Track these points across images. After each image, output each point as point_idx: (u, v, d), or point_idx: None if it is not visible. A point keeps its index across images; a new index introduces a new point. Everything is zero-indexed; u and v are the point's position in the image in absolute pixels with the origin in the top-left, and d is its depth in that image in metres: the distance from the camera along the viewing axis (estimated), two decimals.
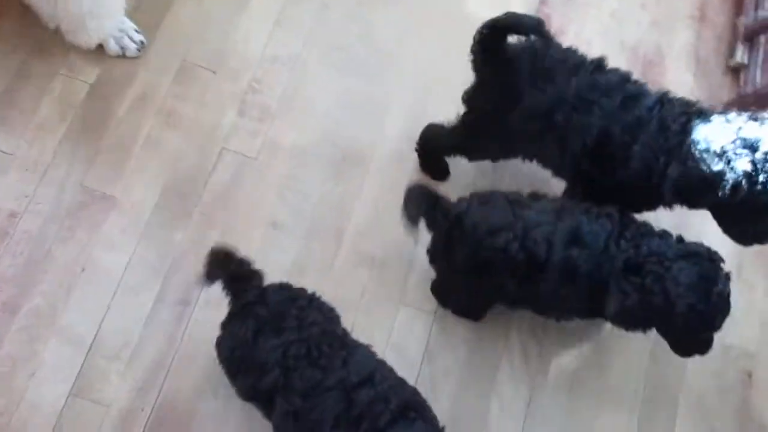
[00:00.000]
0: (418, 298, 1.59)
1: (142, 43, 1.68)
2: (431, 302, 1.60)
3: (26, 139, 1.62)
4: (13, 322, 1.48)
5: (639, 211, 1.42)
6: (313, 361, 1.18)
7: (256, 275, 1.31)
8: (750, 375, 1.64)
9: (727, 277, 1.27)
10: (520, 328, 1.60)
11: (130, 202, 1.59)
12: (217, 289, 1.54)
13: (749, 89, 1.76)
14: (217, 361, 1.49)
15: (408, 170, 1.69)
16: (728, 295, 1.26)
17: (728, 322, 1.64)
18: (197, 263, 1.55)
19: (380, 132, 1.71)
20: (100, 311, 1.50)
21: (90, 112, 1.66)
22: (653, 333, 1.62)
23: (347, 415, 1.14)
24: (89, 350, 1.48)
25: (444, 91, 1.75)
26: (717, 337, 1.64)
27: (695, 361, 1.61)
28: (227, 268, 1.30)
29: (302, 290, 1.31)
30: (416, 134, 1.67)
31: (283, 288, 1.30)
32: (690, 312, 1.20)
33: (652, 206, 1.42)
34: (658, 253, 1.24)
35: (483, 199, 1.38)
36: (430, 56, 1.80)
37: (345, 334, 1.29)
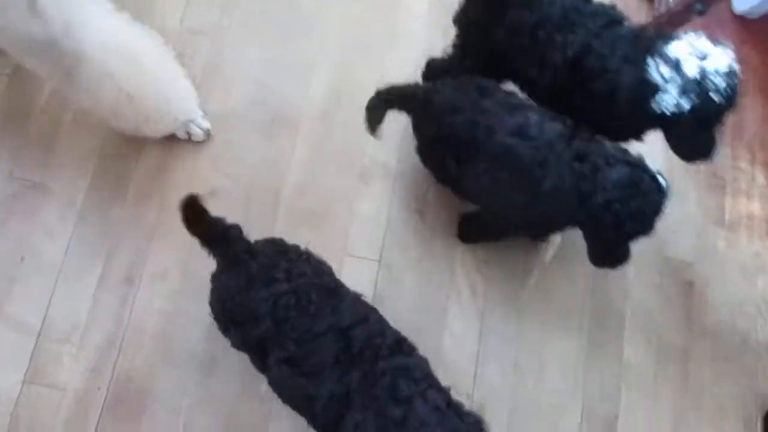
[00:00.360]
0: (362, 247, 1.61)
1: (208, 130, 1.64)
2: (375, 251, 1.62)
3: None
4: None
5: (608, 136, 1.44)
6: (303, 310, 1.18)
7: (234, 230, 1.29)
8: (691, 284, 1.69)
9: (663, 200, 1.29)
10: (465, 265, 1.63)
11: (63, 187, 1.58)
12: (160, 262, 1.56)
13: (663, 10, 1.80)
14: (167, 334, 1.51)
15: (336, 127, 1.70)
16: (652, 213, 1.28)
17: (666, 236, 1.71)
18: (137, 240, 1.57)
19: (307, 93, 1.72)
20: (45, 297, 1.50)
21: (12, 103, 1.65)
22: None
23: (348, 352, 1.14)
24: (39, 336, 1.48)
25: (367, 49, 1.78)
26: (657, 249, 1.71)
27: (638, 277, 1.68)
28: (201, 228, 1.27)
29: (294, 246, 1.31)
30: (342, 92, 1.70)
31: (271, 242, 1.30)
32: (606, 207, 1.23)
33: (622, 131, 1.45)
34: (607, 154, 1.28)
35: (455, 83, 1.41)
36: (351, 15, 1.81)
37: (338, 285, 1.29)
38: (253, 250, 1.25)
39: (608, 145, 1.32)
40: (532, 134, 1.29)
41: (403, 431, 1.01)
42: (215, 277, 1.28)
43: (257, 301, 1.18)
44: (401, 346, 1.20)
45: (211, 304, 1.29)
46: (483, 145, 1.31)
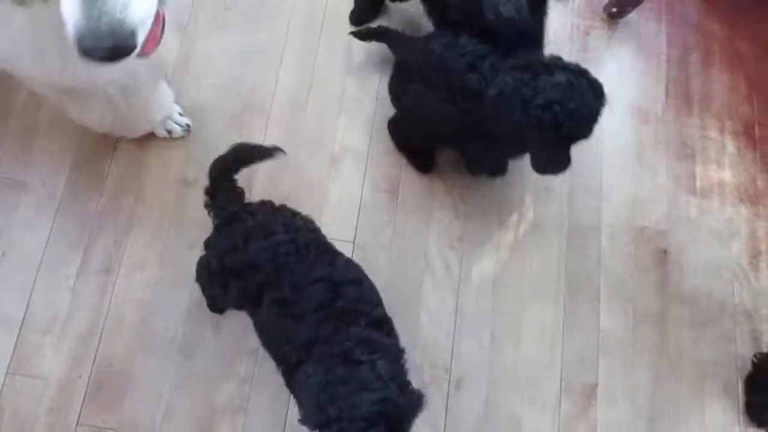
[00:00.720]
0: (336, 229, 1.63)
1: (188, 126, 1.68)
2: (350, 232, 1.65)
3: None
4: None
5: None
6: (302, 258, 1.22)
7: (238, 193, 1.37)
8: (665, 252, 1.71)
9: (601, 103, 1.33)
10: (438, 243, 1.66)
11: (41, 182, 1.62)
12: (137, 253, 1.59)
13: None
14: (146, 321, 1.54)
15: (306, 113, 1.74)
16: (590, 115, 1.32)
17: (637, 205, 1.73)
18: (115, 231, 1.60)
19: (276, 81, 1.76)
20: (26, 290, 1.53)
21: None
22: (566, 228, 1.70)
23: (332, 306, 1.18)
24: (21, 328, 1.51)
25: (335, 35, 1.82)
26: (629, 218, 1.73)
27: (611, 246, 1.70)
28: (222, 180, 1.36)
29: (284, 205, 1.36)
30: (310, 77, 1.74)
31: (265, 203, 1.34)
32: (546, 108, 1.28)
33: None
34: (552, 62, 1.35)
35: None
36: (317, 3, 1.85)
37: (329, 243, 1.34)
38: (249, 209, 1.31)
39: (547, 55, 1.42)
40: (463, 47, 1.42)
41: (341, 391, 1.02)
42: (211, 239, 1.33)
43: (257, 251, 1.22)
44: (382, 325, 1.23)
45: (204, 268, 1.34)
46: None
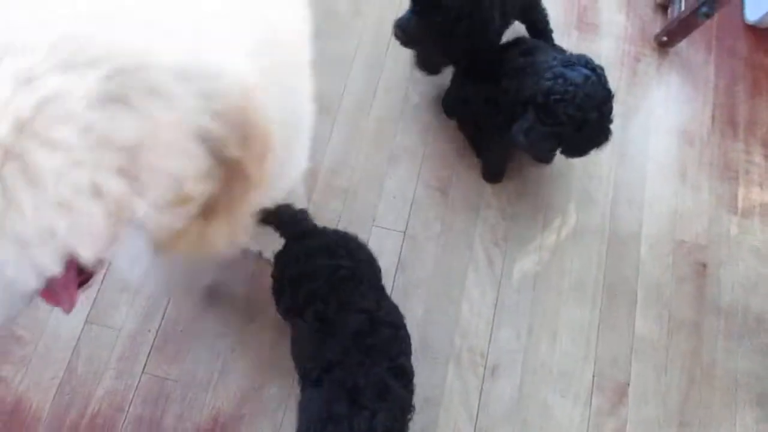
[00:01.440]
0: (389, 220, 1.77)
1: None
2: (401, 223, 1.78)
3: None
4: None
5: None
6: (355, 286, 1.27)
7: (301, 213, 1.44)
8: (704, 265, 1.76)
9: (609, 97, 1.47)
10: (483, 240, 1.77)
11: None
12: None
13: (675, 18, 1.95)
14: (213, 283, 1.69)
15: (369, 117, 1.90)
16: (575, 105, 1.42)
17: (679, 221, 1.80)
18: None
19: (343, 87, 1.94)
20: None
21: None
22: (607, 235, 1.78)
23: (364, 338, 1.22)
24: (101, 286, 1.68)
25: (398, 50, 1.98)
26: (669, 231, 1.80)
27: (650, 256, 1.77)
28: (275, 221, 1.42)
29: (354, 236, 1.42)
30: (375, 85, 1.91)
31: (337, 231, 1.43)
32: (544, 88, 1.42)
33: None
34: (573, 60, 1.47)
35: None
36: (385, 19, 2.02)
37: (383, 286, 1.40)
38: (319, 229, 1.40)
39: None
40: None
41: (329, 430, 1.11)
42: (281, 253, 1.40)
43: (319, 265, 1.29)
44: (403, 375, 1.25)
45: (273, 277, 1.41)
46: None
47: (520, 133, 1.49)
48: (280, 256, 1.41)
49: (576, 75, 1.41)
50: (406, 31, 1.55)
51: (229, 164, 0.69)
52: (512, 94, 1.53)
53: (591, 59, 1.50)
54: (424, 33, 1.54)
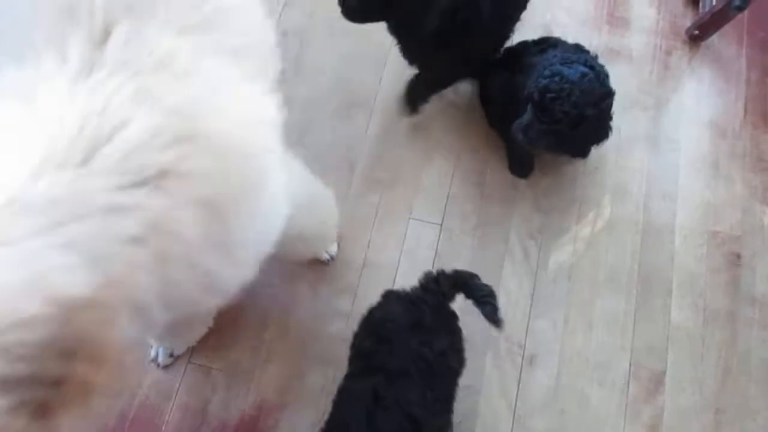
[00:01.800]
0: (425, 212, 1.80)
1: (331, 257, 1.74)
2: (438, 216, 1.80)
3: None
4: None
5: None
6: (419, 379, 1.26)
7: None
8: (738, 256, 1.78)
9: (608, 94, 1.51)
10: (519, 233, 1.79)
11: None
12: None
13: (707, 12, 1.96)
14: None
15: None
16: (570, 101, 1.46)
17: (712, 212, 1.82)
18: None
19: (380, 82, 1.97)
20: None
21: None
22: (641, 227, 1.80)
23: (374, 424, 1.23)
24: None
25: None
26: (702, 222, 1.82)
27: (684, 247, 1.79)
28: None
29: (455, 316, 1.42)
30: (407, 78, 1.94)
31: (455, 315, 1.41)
32: (540, 87, 1.46)
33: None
34: (572, 58, 1.52)
35: None
36: None
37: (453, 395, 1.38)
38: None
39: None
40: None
41: None
42: (375, 306, 1.40)
43: (406, 347, 1.29)
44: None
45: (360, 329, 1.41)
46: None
47: (519, 130, 1.54)
48: (370, 317, 1.39)
49: (572, 73, 1.45)
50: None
51: (52, 382, 0.64)
52: (521, 90, 1.57)
53: (592, 57, 1.54)
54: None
